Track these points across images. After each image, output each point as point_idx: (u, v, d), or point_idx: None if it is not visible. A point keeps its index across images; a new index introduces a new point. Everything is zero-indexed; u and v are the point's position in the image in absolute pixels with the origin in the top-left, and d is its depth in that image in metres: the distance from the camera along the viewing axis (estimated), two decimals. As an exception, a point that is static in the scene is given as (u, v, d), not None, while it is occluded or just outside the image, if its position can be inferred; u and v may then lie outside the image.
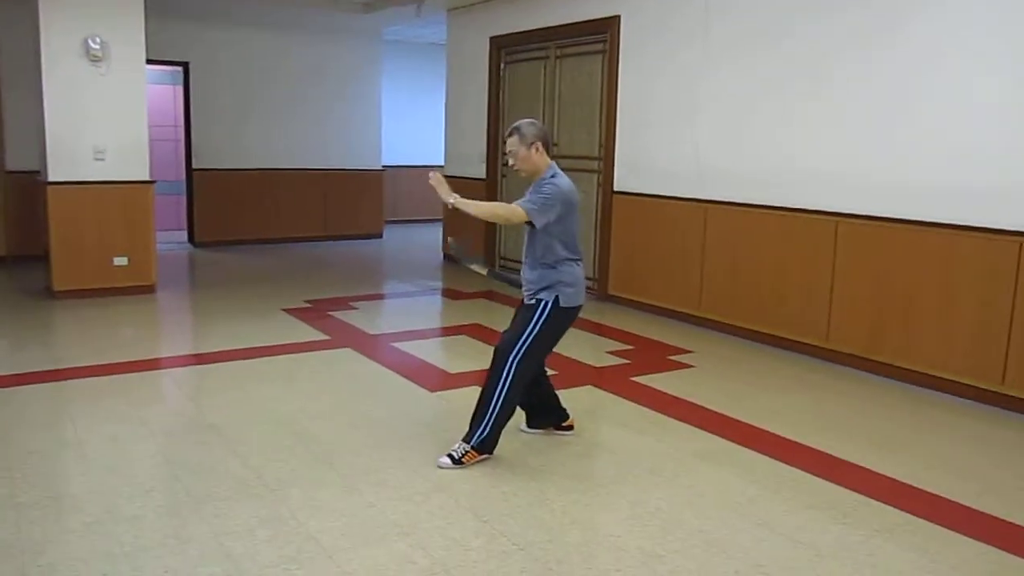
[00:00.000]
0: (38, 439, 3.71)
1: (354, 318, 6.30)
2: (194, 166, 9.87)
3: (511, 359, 3.45)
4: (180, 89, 9.96)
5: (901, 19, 4.75)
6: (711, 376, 4.93)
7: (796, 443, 3.84)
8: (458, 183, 8.99)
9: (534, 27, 7.71)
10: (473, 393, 4.50)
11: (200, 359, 5.15)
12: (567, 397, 4.00)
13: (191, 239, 10.02)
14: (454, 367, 5.10)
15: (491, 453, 3.53)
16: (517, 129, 3.50)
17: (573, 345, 5.44)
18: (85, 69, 6.53)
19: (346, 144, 10.80)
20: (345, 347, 5.42)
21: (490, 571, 2.64)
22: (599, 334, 5.94)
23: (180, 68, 9.75)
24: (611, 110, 6.85)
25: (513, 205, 3.43)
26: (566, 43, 7.42)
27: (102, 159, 6.67)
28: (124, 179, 6.77)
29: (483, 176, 8.59)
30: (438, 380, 4.77)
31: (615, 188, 6.87)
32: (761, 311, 5.65)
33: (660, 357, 5.33)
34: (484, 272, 4.14)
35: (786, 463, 3.58)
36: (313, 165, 10.57)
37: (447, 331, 6.33)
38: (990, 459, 3.75)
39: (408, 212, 12.65)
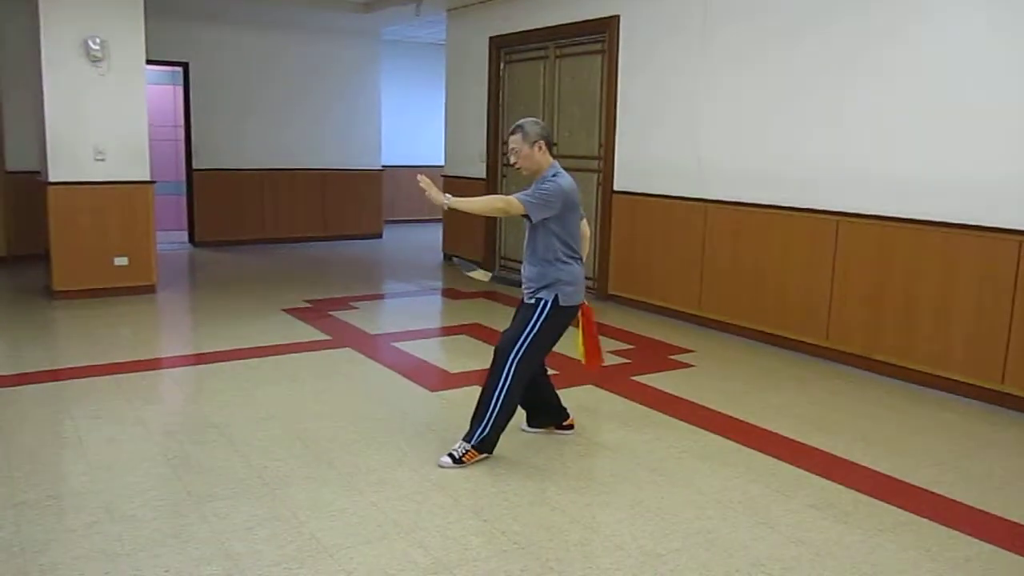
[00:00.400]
0: (38, 439, 3.72)
1: (354, 318, 6.31)
2: (194, 166, 9.88)
3: (511, 358, 3.46)
4: (180, 89, 9.96)
5: (902, 19, 4.75)
6: (711, 375, 4.93)
7: (797, 442, 3.84)
8: (459, 183, 9.06)
9: (533, 27, 7.72)
10: (474, 393, 4.50)
11: (200, 359, 5.15)
12: (567, 396, 4.00)
13: (191, 239, 10.03)
14: (454, 367, 5.10)
15: (491, 452, 3.53)
16: (520, 127, 3.51)
17: (574, 345, 5.44)
18: (85, 69, 6.54)
19: (346, 144, 10.81)
20: (345, 347, 5.42)
21: (490, 570, 2.64)
22: (600, 334, 5.91)
23: (180, 68, 9.75)
24: (610, 110, 6.85)
25: (511, 197, 3.45)
26: (565, 43, 7.43)
27: (102, 159, 6.67)
28: (124, 179, 6.77)
29: (483, 176, 8.59)
30: (438, 380, 4.77)
31: (615, 188, 6.88)
32: (761, 311, 5.65)
33: (661, 357, 5.33)
34: (486, 279, 4.13)
35: (786, 462, 3.59)
36: (313, 165, 10.58)
37: (447, 331, 6.33)
38: (990, 458, 3.75)
39: (408, 212, 12.66)
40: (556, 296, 3.46)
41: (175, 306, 6.86)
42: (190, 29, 9.60)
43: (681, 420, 4.10)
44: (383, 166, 11.26)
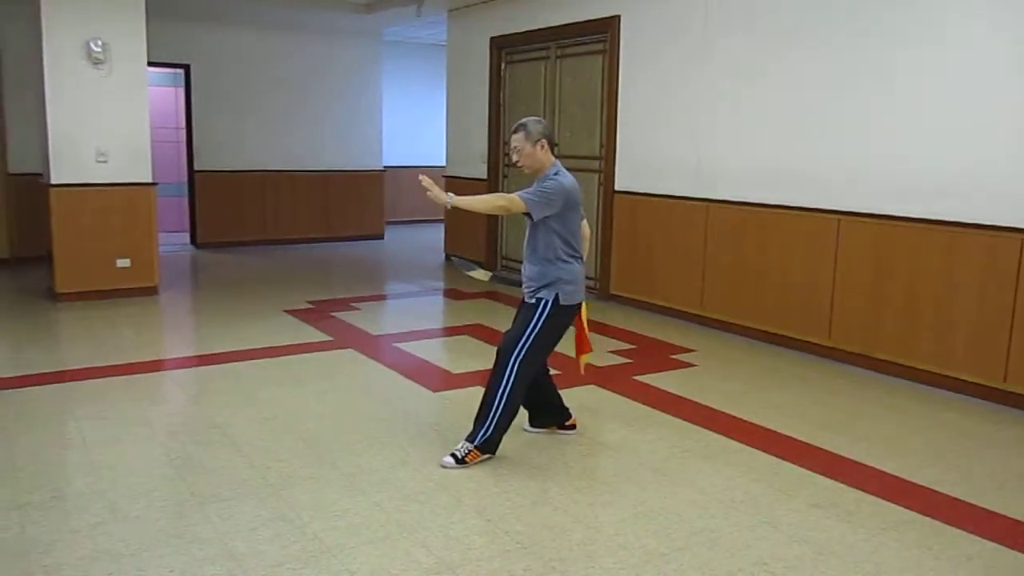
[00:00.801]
0: (42, 440, 3.73)
1: (356, 319, 6.31)
2: (196, 167, 9.89)
3: (513, 358, 3.47)
4: (181, 91, 9.98)
5: (903, 21, 4.75)
6: (713, 375, 4.93)
7: (799, 441, 3.84)
8: (459, 183, 9.06)
9: (534, 27, 7.72)
10: (476, 393, 4.51)
11: (203, 360, 5.15)
12: (569, 396, 4.01)
13: (193, 240, 10.04)
14: (456, 367, 5.10)
15: (494, 453, 3.53)
16: (523, 126, 3.53)
17: (575, 344, 5.44)
18: (87, 71, 6.55)
19: (347, 145, 10.82)
20: (347, 348, 5.43)
21: (493, 570, 2.64)
22: (601, 333, 5.93)
23: (181, 70, 9.76)
24: (612, 110, 6.86)
25: (512, 195, 3.45)
26: (566, 43, 7.43)
27: (104, 161, 6.68)
28: (126, 181, 6.79)
29: (484, 176, 8.59)
30: (440, 380, 4.78)
31: (616, 187, 6.88)
32: (763, 310, 5.65)
33: (662, 356, 5.33)
34: (487, 279, 4.13)
35: (789, 461, 3.59)
36: (314, 166, 10.59)
37: (449, 331, 6.33)
38: (993, 456, 3.75)
39: (409, 213, 12.66)
40: (556, 295, 3.47)
41: (177, 307, 6.87)
42: (192, 31, 9.61)
43: (683, 420, 4.11)
44: (385, 167, 11.26)
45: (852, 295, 5.07)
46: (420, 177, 3.46)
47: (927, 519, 3.06)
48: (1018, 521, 3.07)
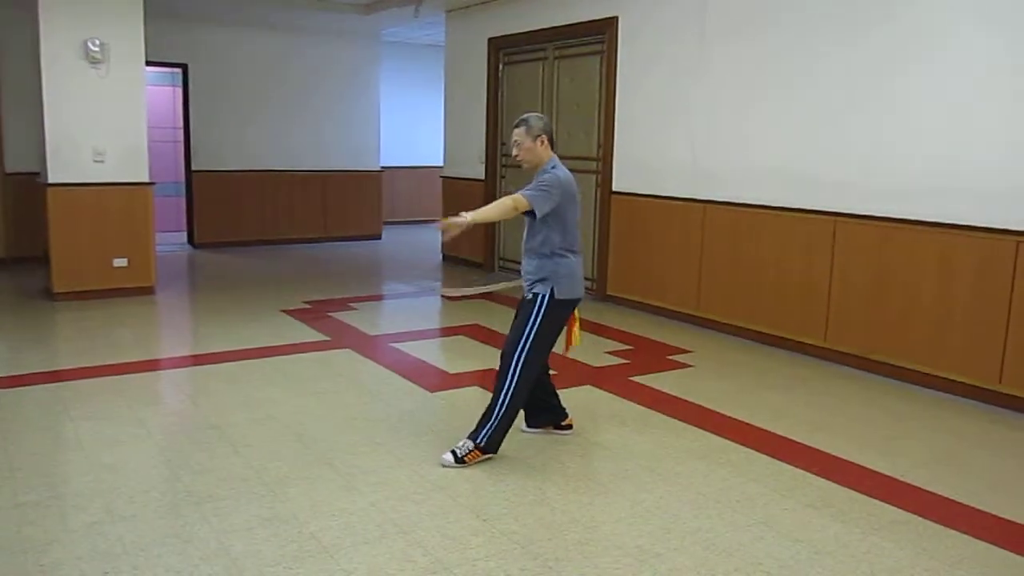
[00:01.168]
0: (39, 440, 3.73)
1: (353, 319, 6.32)
2: (193, 167, 9.89)
3: (515, 358, 3.49)
4: (179, 90, 9.98)
5: (899, 20, 4.76)
6: (710, 376, 4.94)
7: (794, 442, 3.85)
8: (458, 184, 9.07)
9: (532, 28, 7.73)
10: (473, 393, 4.53)
11: (200, 360, 5.16)
12: (566, 397, 4.01)
13: (190, 240, 10.04)
14: (453, 367, 5.11)
15: (495, 452, 3.54)
16: (525, 121, 3.58)
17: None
18: (85, 71, 6.55)
19: (345, 145, 10.82)
20: (344, 348, 5.44)
21: (490, 569, 2.65)
22: (598, 334, 5.95)
23: (179, 69, 9.76)
24: (609, 111, 6.87)
25: (516, 195, 3.48)
26: (564, 44, 7.44)
27: (101, 161, 6.68)
28: (124, 181, 6.78)
29: (482, 177, 8.60)
30: (437, 380, 4.78)
31: (613, 188, 6.89)
32: (759, 311, 5.66)
33: (659, 357, 5.34)
34: (487, 288, 4.11)
35: (785, 462, 3.60)
36: (312, 166, 10.59)
37: (446, 331, 6.34)
38: (988, 457, 3.76)
39: (406, 213, 12.67)
40: (552, 289, 3.49)
41: (175, 307, 6.87)
42: (189, 31, 9.61)
43: (680, 420, 4.12)
44: (382, 167, 11.27)
45: (848, 296, 5.08)
46: (436, 225, 3.48)
47: (921, 519, 3.07)
48: (1011, 521, 3.08)
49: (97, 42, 6.50)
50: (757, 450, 3.73)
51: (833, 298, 5.17)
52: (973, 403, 4.45)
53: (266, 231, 10.35)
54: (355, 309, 6.69)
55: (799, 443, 3.84)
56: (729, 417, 4.17)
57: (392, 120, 11.95)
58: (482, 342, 5.63)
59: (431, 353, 5.60)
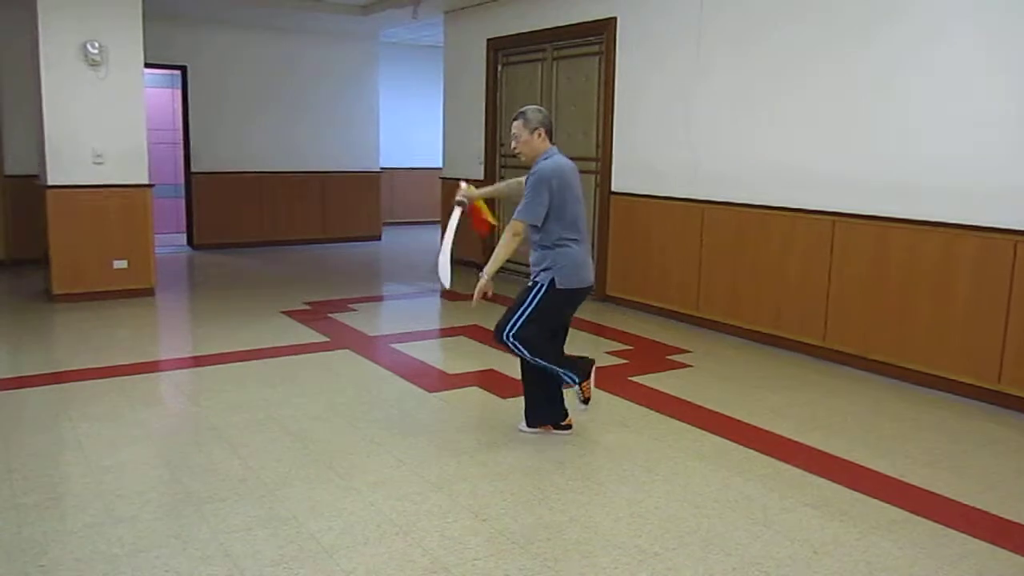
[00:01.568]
0: (38, 441, 3.73)
1: (353, 320, 6.32)
2: (193, 169, 9.90)
3: (506, 336, 3.59)
4: (178, 92, 9.99)
5: (899, 20, 4.77)
6: (709, 375, 4.95)
7: (793, 441, 3.86)
8: (455, 184, 9.05)
9: (531, 29, 7.74)
10: (472, 393, 4.54)
11: (199, 361, 5.16)
12: (565, 396, 4.01)
13: (190, 242, 10.05)
14: (453, 368, 5.11)
15: (588, 377, 3.70)
16: (523, 114, 3.66)
17: (572, 345, 5.43)
18: (84, 73, 6.56)
19: (344, 146, 10.83)
20: (344, 348, 5.44)
21: (488, 569, 2.65)
22: (598, 334, 5.96)
23: (178, 71, 9.77)
24: (608, 111, 6.88)
25: (512, 223, 3.58)
26: (563, 45, 7.45)
27: (101, 163, 6.69)
28: (123, 182, 6.80)
29: (481, 177, 8.60)
30: (437, 381, 4.79)
31: (612, 189, 6.90)
32: (759, 311, 5.67)
33: (658, 357, 5.34)
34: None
35: (783, 461, 3.60)
36: (311, 167, 10.60)
37: (445, 332, 6.35)
38: (986, 456, 3.76)
39: (406, 214, 12.68)
40: (553, 279, 3.54)
41: (174, 309, 6.87)
42: (189, 33, 9.62)
43: (679, 420, 4.12)
44: (382, 168, 11.28)
45: (847, 296, 5.08)
46: (473, 303, 3.66)
47: (920, 519, 3.07)
48: (1010, 521, 3.08)
49: (96, 44, 6.51)
50: (756, 450, 3.73)
51: (832, 298, 5.17)
52: (972, 402, 4.46)
53: (265, 232, 10.35)
54: (355, 310, 6.69)
55: (798, 443, 3.84)
56: (728, 417, 4.18)
57: (391, 121, 11.97)
58: (482, 343, 5.63)
59: (431, 354, 5.60)
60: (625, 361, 5.24)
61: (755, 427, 4.04)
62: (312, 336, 5.75)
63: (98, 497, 3.13)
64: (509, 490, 3.26)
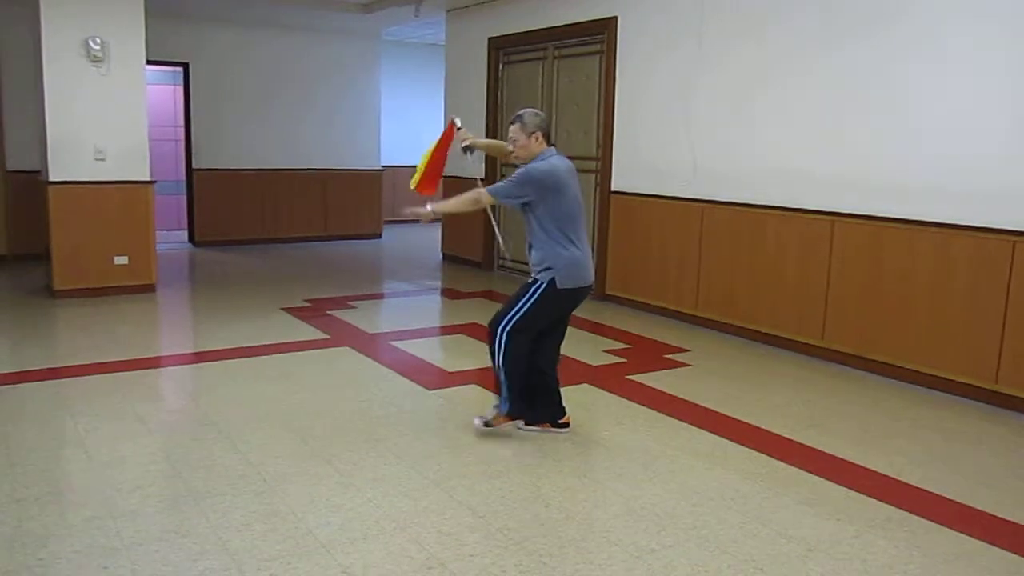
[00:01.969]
0: (39, 436, 3.75)
1: (353, 317, 6.34)
2: (194, 166, 9.91)
3: (500, 331, 3.64)
4: (180, 89, 10.00)
5: (898, 20, 4.78)
6: (707, 374, 4.96)
7: (790, 440, 3.87)
8: (457, 183, 9.06)
9: (532, 28, 7.75)
10: (471, 391, 4.56)
11: (200, 357, 5.18)
12: (564, 395, 4.02)
13: (191, 238, 10.06)
14: (452, 366, 5.13)
15: (521, 415, 3.76)
16: (520, 118, 3.70)
17: (570, 344, 5.43)
18: (86, 69, 6.57)
19: (345, 144, 10.84)
20: (344, 346, 5.46)
21: (485, 565, 2.67)
22: (597, 333, 5.97)
23: (180, 68, 9.79)
24: (608, 111, 6.89)
25: (480, 189, 3.67)
26: (564, 44, 7.46)
27: (102, 159, 6.70)
28: (124, 179, 6.81)
29: (482, 175, 8.60)
30: (436, 378, 4.80)
31: (612, 188, 6.91)
32: (757, 310, 5.68)
33: (657, 356, 5.36)
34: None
35: (780, 460, 3.62)
36: (312, 165, 10.61)
37: (445, 330, 6.36)
38: (983, 455, 3.78)
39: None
40: (553, 279, 3.58)
41: (175, 305, 6.89)
42: (190, 30, 9.63)
43: (676, 418, 4.13)
44: (383, 166, 11.29)
45: (846, 296, 5.10)
46: (406, 211, 3.77)
47: (915, 517, 3.09)
48: (1005, 520, 3.10)
49: (98, 41, 6.52)
50: (753, 448, 3.75)
51: (831, 297, 5.19)
52: (969, 402, 4.47)
53: (267, 230, 10.37)
54: (355, 308, 6.71)
55: (795, 441, 3.86)
56: (726, 415, 4.19)
57: (393, 119, 11.97)
58: (481, 341, 5.65)
59: (430, 352, 5.62)
60: (623, 360, 5.25)
61: (752, 426, 4.05)
62: (312, 333, 5.76)
63: (98, 491, 3.15)
64: (506, 487, 3.27)
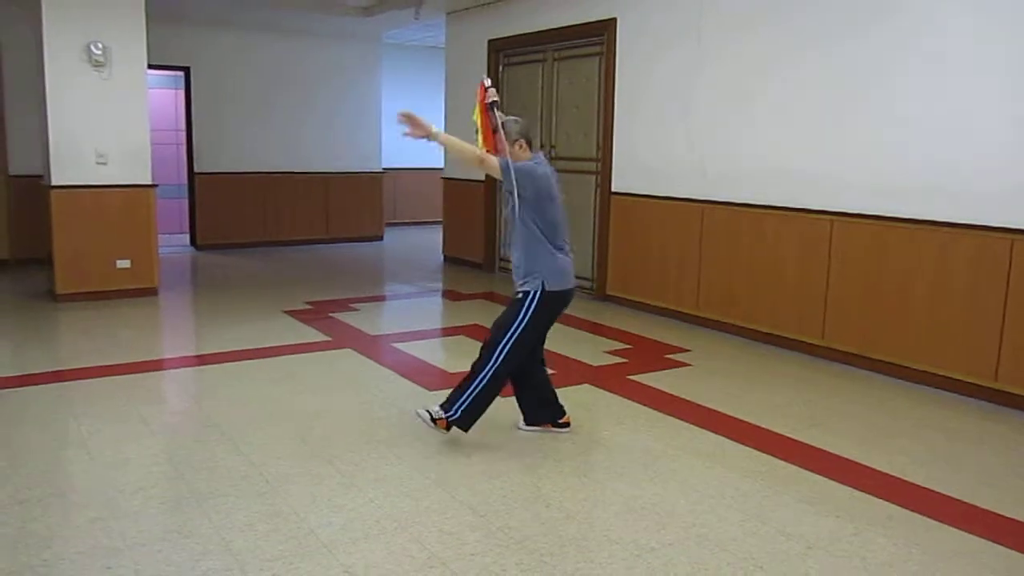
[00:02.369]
0: (42, 438, 3.77)
1: (355, 319, 6.35)
2: (195, 169, 9.94)
3: (500, 347, 3.60)
4: (181, 93, 10.03)
5: (898, 19, 4.79)
6: (707, 374, 4.97)
7: (790, 439, 3.88)
8: (457, 184, 9.10)
9: (532, 30, 7.77)
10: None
11: (202, 360, 5.20)
12: (564, 395, 4.04)
13: (193, 242, 10.09)
14: (453, 367, 5.13)
15: (465, 430, 3.64)
16: (501, 127, 3.66)
17: (571, 344, 5.49)
18: (87, 74, 6.59)
19: (347, 147, 10.86)
20: (345, 348, 5.47)
21: (486, 564, 2.68)
22: (597, 334, 5.98)
23: (181, 72, 9.82)
24: (608, 112, 6.90)
25: (493, 157, 3.58)
26: (563, 46, 7.48)
27: (104, 163, 6.73)
28: (126, 183, 6.83)
29: (483, 178, 8.63)
30: (437, 380, 4.81)
31: (612, 189, 6.92)
32: (758, 310, 5.69)
33: (657, 356, 5.37)
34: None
35: (780, 459, 3.62)
36: (314, 168, 10.63)
37: (446, 332, 6.38)
38: (983, 454, 3.79)
39: (408, 214, 12.71)
40: (542, 283, 3.59)
41: (177, 308, 6.91)
42: (192, 34, 9.66)
43: (677, 418, 4.14)
44: (384, 169, 11.31)
45: (846, 295, 5.10)
46: (398, 114, 3.61)
47: (915, 515, 3.10)
48: (1005, 517, 3.10)
49: (100, 45, 6.55)
50: (753, 447, 3.75)
51: (831, 297, 5.20)
52: (969, 400, 4.48)
53: (268, 233, 10.39)
54: (356, 310, 6.72)
55: (795, 440, 3.86)
56: (726, 415, 4.20)
57: (394, 122, 11.90)
58: (482, 342, 5.65)
59: (431, 353, 5.64)
60: (624, 360, 5.26)
61: (753, 425, 4.06)
62: (314, 335, 5.78)
63: (101, 493, 3.17)
64: (507, 487, 3.29)
